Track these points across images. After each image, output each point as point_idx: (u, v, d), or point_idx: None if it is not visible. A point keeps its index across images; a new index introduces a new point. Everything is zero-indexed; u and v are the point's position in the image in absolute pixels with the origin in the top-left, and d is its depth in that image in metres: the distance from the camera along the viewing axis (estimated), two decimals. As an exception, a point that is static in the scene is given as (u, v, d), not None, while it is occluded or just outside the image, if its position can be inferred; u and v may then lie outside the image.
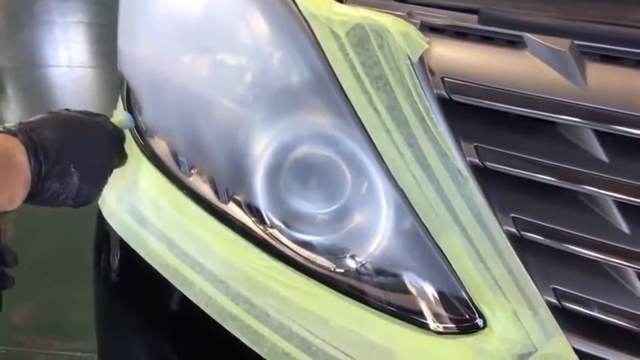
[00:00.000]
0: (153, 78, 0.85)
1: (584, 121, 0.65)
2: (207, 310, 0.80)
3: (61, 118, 0.79)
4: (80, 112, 0.84)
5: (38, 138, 0.72)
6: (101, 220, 0.93)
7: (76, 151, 0.75)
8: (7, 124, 0.76)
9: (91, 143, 0.78)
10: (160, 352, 0.94)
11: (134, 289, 0.94)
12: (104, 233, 0.93)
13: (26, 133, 0.72)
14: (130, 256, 0.88)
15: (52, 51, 4.41)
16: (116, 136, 0.83)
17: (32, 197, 0.72)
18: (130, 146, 0.89)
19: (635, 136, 0.63)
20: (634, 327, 0.66)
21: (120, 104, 0.93)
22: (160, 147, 0.87)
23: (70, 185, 0.74)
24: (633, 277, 0.66)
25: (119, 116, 0.88)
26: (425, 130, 0.70)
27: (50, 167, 0.72)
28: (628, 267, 0.66)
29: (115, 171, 0.92)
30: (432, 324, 0.73)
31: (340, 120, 0.74)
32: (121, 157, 0.84)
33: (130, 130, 0.90)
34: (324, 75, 0.73)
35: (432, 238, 0.71)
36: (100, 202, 0.94)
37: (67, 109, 0.83)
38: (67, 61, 4.22)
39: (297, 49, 0.74)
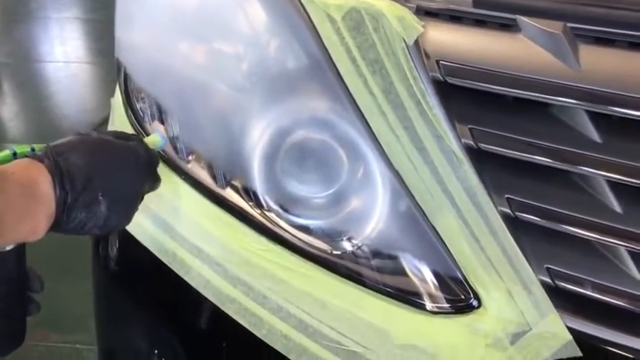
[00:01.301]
0: (150, 65, 0.86)
1: (578, 103, 0.66)
2: (206, 293, 0.81)
3: (90, 141, 0.74)
4: (112, 133, 0.80)
5: (65, 164, 0.68)
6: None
7: (105, 178, 0.70)
8: (35, 146, 0.73)
9: (121, 170, 0.73)
10: (159, 335, 0.95)
11: (133, 275, 0.95)
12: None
13: (53, 159, 0.68)
14: (128, 241, 0.89)
15: (48, 47, 4.41)
16: (149, 160, 0.77)
17: (56, 226, 0.68)
18: (127, 131, 0.89)
19: (628, 117, 0.64)
20: (627, 305, 0.67)
21: (157, 128, 0.87)
22: (158, 132, 0.87)
23: (97, 214, 0.70)
24: (626, 256, 0.67)
25: (153, 137, 0.83)
26: (420, 113, 0.70)
27: (77, 196, 0.68)
28: (621, 246, 0.66)
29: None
30: (428, 304, 0.74)
31: (336, 104, 0.74)
32: (154, 182, 0.79)
33: (127, 116, 0.90)
34: (320, 59, 0.74)
35: (428, 220, 0.72)
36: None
37: (96, 130, 0.78)
38: (63, 56, 4.22)
39: (293, 33, 0.75)
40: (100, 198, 0.69)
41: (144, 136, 0.84)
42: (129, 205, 0.75)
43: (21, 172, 0.65)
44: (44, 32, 4.66)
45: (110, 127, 0.98)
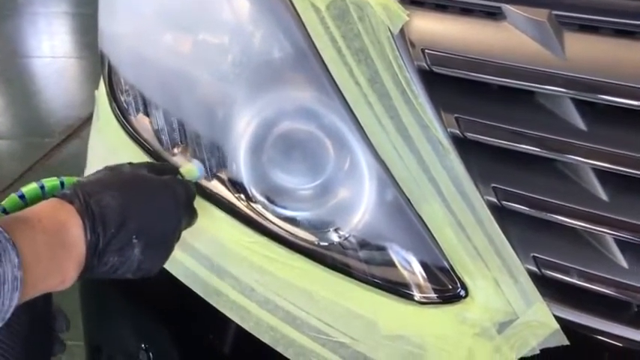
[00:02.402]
0: (134, 57, 0.85)
1: (563, 90, 0.65)
2: (192, 286, 0.81)
3: (123, 178, 0.69)
4: (146, 166, 0.74)
5: (97, 206, 0.63)
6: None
7: (140, 219, 0.66)
8: (65, 180, 0.70)
9: (156, 209, 0.68)
10: (146, 329, 0.94)
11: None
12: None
13: (83, 200, 0.63)
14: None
15: (36, 42, 4.38)
16: (186, 196, 0.72)
17: (86, 272, 0.63)
18: (111, 124, 0.89)
19: (614, 104, 0.64)
20: (614, 293, 0.67)
21: (193, 159, 0.82)
22: (142, 125, 0.87)
23: (130, 258, 0.65)
24: (612, 244, 0.67)
25: (189, 166, 0.79)
26: (406, 102, 0.70)
27: (109, 240, 0.63)
28: (607, 234, 0.66)
29: (97, 148, 0.93)
30: (415, 294, 0.73)
31: (322, 94, 0.74)
32: (191, 218, 0.74)
33: (112, 108, 0.90)
34: (305, 49, 0.73)
35: (414, 209, 0.72)
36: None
37: (130, 163, 0.73)
38: (51, 51, 4.19)
39: (277, 23, 0.74)
40: (134, 241, 0.65)
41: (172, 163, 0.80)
42: (165, 247, 0.70)
43: (50, 219, 0.60)
44: (31, 27, 4.63)
45: (94, 120, 0.97)
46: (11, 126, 3.28)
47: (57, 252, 0.59)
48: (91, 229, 0.62)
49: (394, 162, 0.71)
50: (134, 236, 0.65)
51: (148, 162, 0.78)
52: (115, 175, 0.69)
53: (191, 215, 0.74)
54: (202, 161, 0.80)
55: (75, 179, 0.71)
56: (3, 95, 3.75)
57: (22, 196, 0.68)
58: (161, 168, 0.75)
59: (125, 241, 0.64)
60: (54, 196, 0.64)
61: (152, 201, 0.68)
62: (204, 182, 0.81)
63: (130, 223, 0.64)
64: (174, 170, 0.76)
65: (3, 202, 0.68)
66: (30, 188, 0.69)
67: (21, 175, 2.60)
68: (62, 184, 0.70)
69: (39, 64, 4.07)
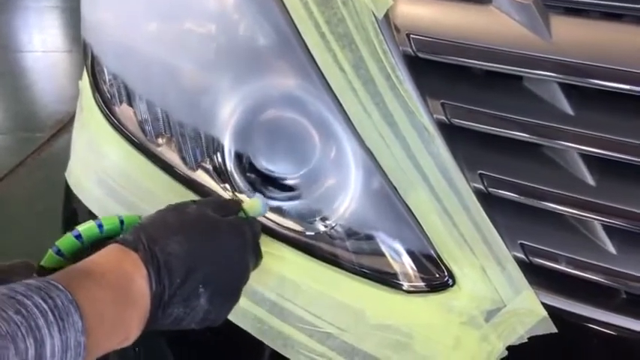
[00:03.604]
0: (117, 45, 0.84)
1: (550, 74, 0.64)
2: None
3: (189, 221, 0.64)
4: (210, 203, 0.69)
5: (163, 255, 0.59)
6: (68, 191, 0.91)
7: (207, 267, 0.62)
8: (124, 217, 0.66)
9: (224, 255, 0.64)
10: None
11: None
12: (71, 206, 0.91)
13: (148, 248, 0.59)
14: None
15: (27, 36, 4.36)
16: (253, 238, 0.69)
17: (148, 325, 0.59)
18: (95, 115, 0.87)
19: (601, 88, 0.63)
20: (602, 280, 0.66)
21: (255, 194, 0.77)
22: (126, 115, 0.85)
23: (195, 309, 0.61)
24: (600, 230, 0.66)
25: (252, 201, 0.74)
26: (391, 88, 0.69)
27: (174, 291, 0.59)
28: (594, 220, 0.66)
29: (81, 140, 0.91)
30: (402, 283, 0.72)
31: (306, 81, 0.73)
32: (257, 260, 0.70)
33: (95, 99, 0.88)
34: (288, 35, 0.72)
35: (401, 197, 0.71)
36: (66, 173, 0.92)
37: (194, 201, 0.69)
38: (42, 45, 4.18)
39: (260, 9, 0.73)
40: (201, 290, 0.61)
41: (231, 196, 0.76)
42: (232, 295, 0.66)
43: (114, 272, 0.57)
44: (22, 21, 4.61)
45: (78, 112, 0.95)
46: (2, 120, 3.26)
47: (121, 308, 0.56)
48: (156, 280, 0.58)
49: (380, 149, 0.70)
50: (201, 285, 0.61)
51: (211, 199, 0.74)
52: (179, 216, 0.65)
53: (258, 256, 0.70)
54: (266, 196, 0.76)
55: (135, 217, 0.67)
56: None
57: (78, 236, 0.65)
58: (225, 205, 0.71)
59: (191, 291, 0.60)
60: (115, 240, 0.61)
61: (220, 246, 0.64)
62: (187, 172, 0.80)
63: (196, 271, 0.61)
64: (237, 205, 0.72)
65: (58, 242, 0.64)
66: (87, 227, 0.65)
67: (12, 169, 2.59)
68: (122, 222, 0.66)
69: (30, 58, 4.05)
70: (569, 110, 0.65)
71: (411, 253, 0.72)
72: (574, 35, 0.64)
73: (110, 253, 0.59)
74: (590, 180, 0.65)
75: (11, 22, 4.58)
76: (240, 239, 0.66)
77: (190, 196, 0.80)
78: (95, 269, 0.56)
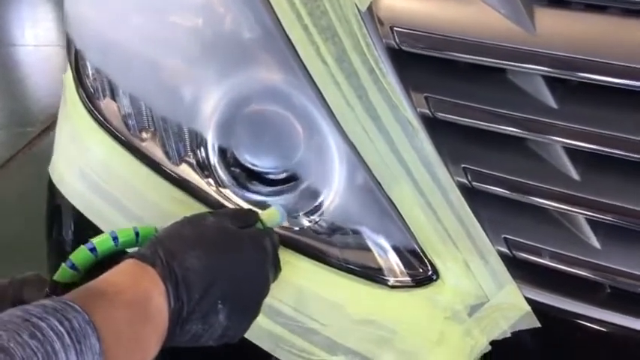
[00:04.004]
0: (100, 39, 0.83)
1: (534, 67, 0.64)
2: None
3: (207, 234, 0.62)
4: (227, 214, 0.67)
5: (181, 270, 0.57)
6: (52, 186, 0.90)
7: (226, 282, 0.59)
8: (140, 230, 0.65)
9: (243, 269, 0.62)
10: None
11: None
12: (55, 201, 0.91)
13: (166, 263, 0.57)
14: (83, 224, 0.86)
15: (19, 30, 4.34)
16: (273, 250, 0.66)
17: (166, 343, 0.57)
18: (78, 110, 0.87)
19: (584, 81, 0.62)
20: (586, 274, 0.66)
21: (273, 203, 0.75)
22: (109, 109, 0.85)
23: (214, 325, 0.59)
24: (584, 224, 0.66)
25: (270, 212, 0.72)
26: (374, 81, 0.68)
27: (193, 307, 0.57)
28: (579, 214, 0.65)
29: (64, 134, 0.90)
30: (386, 278, 0.72)
31: (290, 74, 0.72)
32: (276, 273, 0.67)
33: (78, 93, 0.87)
34: (271, 28, 0.71)
35: (384, 192, 0.70)
36: (50, 168, 0.91)
37: (211, 212, 0.67)
38: (34, 40, 4.16)
39: (243, 2, 0.72)
40: (220, 306, 0.59)
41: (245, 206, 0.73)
42: (251, 311, 0.64)
43: (131, 289, 0.55)
44: (15, 15, 4.58)
45: (62, 106, 0.95)
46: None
47: (139, 327, 0.54)
48: (174, 296, 0.56)
49: (363, 143, 0.70)
50: (220, 301, 0.59)
51: (228, 209, 0.72)
52: (197, 229, 0.62)
53: (277, 269, 0.67)
54: (283, 206, 0.74)
55: (151, 229, 0.66)
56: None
57: (93, 249, 0.63)
58: (242, 216, 0.68)
59: (210, 307, 0.58)
60: (131, 255, 0.59)
61: (240, 260, 0.62)
62: (171, 167, 0.79)
63: (215, 286, 0.59)
64: (254, 216, 0.70)
65: (72, 256, 0.63)
66: (102, 240, 0.64)
67: (3, 164, 2.58)
68: (137, 234, 0.65)
69: (23, 52, 4.04)
70: (553, 103, 0.64)
71: (395, 248, 0.72)
72: (558, 27, 0.63)
73: (127, 269, 0.57)
74: (574, 174, 0.65)
75: (4, 15, 4.55)
76: (261, 252, 0.64)
77: (172, 190, 0.79)
78: (112, 287, 0.54)
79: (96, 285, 0.55)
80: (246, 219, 0.68)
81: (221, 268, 0.60)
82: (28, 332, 0.45)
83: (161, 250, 0.58)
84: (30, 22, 4.51)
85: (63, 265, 0.63)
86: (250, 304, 0.63)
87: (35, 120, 2.92)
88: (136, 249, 0.62)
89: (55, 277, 0.63)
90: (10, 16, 4.57)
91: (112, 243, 0.64)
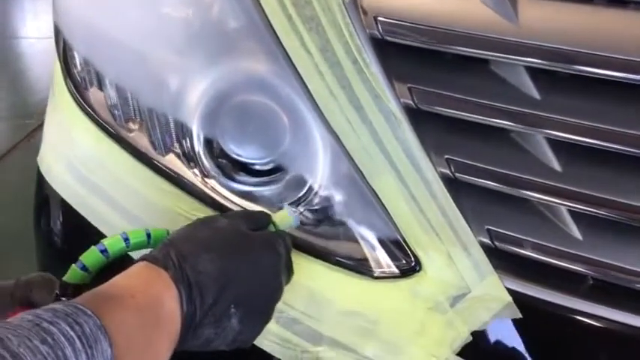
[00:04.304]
0: (87, 29, 0.83)
1: (516, 58, 0.63)
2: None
3: (221, 236, 0.61)
4: (241, 216, 0.66)
5: (194, 273, 0.56)
6: (40, 177, 0.90)
7: (239, 285, 0.58)
8: (152, 231, 0.64)
9: (257, 273, 0.61)
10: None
11: (77, 249, 0.92)
12: (43, 192, 0.91)
13: (178, 266, 0.56)
14: (70, 214, 0.86)
15: (21, 22, 4.34)
16: (286, 254, 0.65)
17: (177, 347, 0.56)
18: (66, 100, 0.86)
19: (567, 71, 0.62)
20: (567, 265, 0.66)
21: (286, 206, 0.74)
22: (96, 100, 0.84)
23: (226, 330, 0.58)
24: (567, 216, 0.66)
25: (282, 214, 0.71)
26: (358, 72, 0.68)
27: (206, 312, 0.56)
28: (560, 205, 0.65)
29: (52, 125, 0.90)
30: (369, 269, 0.72)
31: (274, 64, 0.72)
32: (289, 276, 0.66)
33: (66, 83, 0.87)
34: (256, 18, 0.71)
35: (368, 182, 0.70)
36: (38, 159, 0.92)
37: (225, 215, 0.66)
38: (36, 32, 4.16)
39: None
40: (232, 310, 0.58)
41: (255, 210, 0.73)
42: (264, 315, 0.62)
43: (143, 293, 0.54)
44: (16, 7, 4.59)
45: (50, 96, 0.95)
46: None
47: (151, 332, 0.53)
48: (187, 300, 0.55)
49: (346, 133, 0.70)
50: (232, 305, 0.58)
51: (240, 211, 0.72)
52: (210, 231, 0.61)
53: (290, 272, 0.66)
54: (294, 207, 0.74)
55: (163, 231, 0.65)
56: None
57: (104, 251, 0.62)
58: (255, 218, 0.68)
59: (223, 312, 0.57)
60: (143, 258, 0.58)
61: (253, 263, 0.61)
62: (157, 157, 0.79)
63: (229, 290, 0.57)
64: (267, 218, 0.69)
65: (82, 257, 0.62)
66: (113, 241, 0.63)
67: (2, 155, 2.59)
68: (149, 235, 0.64)
69: (24, 44, 4.04)
70: (536, 94, 0.64)
71: (378, 239, 0.72)
72: (541, 18, 0.63)
73: (139, 272, 0.57)
74: (556, 165, 0.65)
75: (6, 7, 4.56)
76: (275, 256, 0.63)
77: (158, 181, 0.79)
78: (124, 291, 0.53)
79: (107, 288, 0.54)
80: (259, 221, 0.67)
81: (234, 272, 0.59)
82: (38, 337, 0.44)
83: (173, 252, 0.57)
84: (31, 14, 4.51)
85: (73, 266, 0.62)
86: (263, 309, 0.62)
87: (34, 112, 2.93)
88: (144, 251, 0.62)
89: (65, 278, 0.62)
90: (11, 9, 4.58)
91: (123, 244, 0.63)
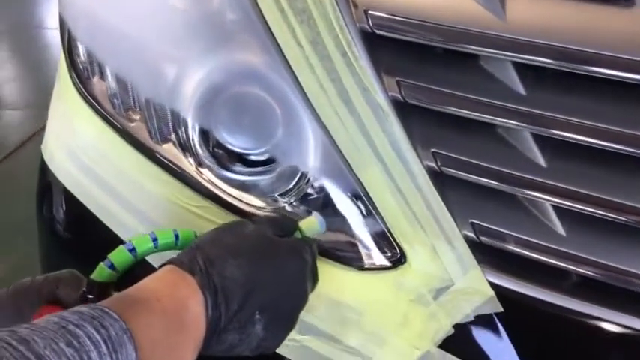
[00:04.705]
0: (90, 18, 0.84)
1: (503, 53, 0.64)
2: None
3: (248, 242, 0.61)
4: (268, 222, 0.67)
5: (220, 279, 0.56)
6: (43, 165, 0.93)
7: (265, 291, 0.58)
8: (180, 232, 0.64)
9: (283, 280, 0.61)
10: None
11: (80, 237, 0.94)
12: (46, 179, 0.93)
13: (205, 272, 0.56)
14: (71, 201, 0.88)
15: (46, 13, 4.39)
16: (312, 261, 0.65)
17: (201, 352, 0.56)
18: (69, 89, 0.88)
19: (554, 67, 0.62)
20: (550, 261, 0.66)
21: (313, 212, 0.74)
22: (98, 89, 0.86)
23: (250, 336, 0.58)
24: (551, 212, 0.66)
25: (309, 220, 0.72)
26: (347, 65, 0.69)
27: (231, 317, 0.56)
28: (544, 200, 0.65)
29: (56, 113, 0.93)
30: (355, 260, 0.72)
31: (267, 56, 0.73)
32: (315, 283, 0.66)
33: (69, 72, 0.89)
34: (249, 10, 0.72)
35: (355, 175, 0.71)
36: (42, 147, 0.94)
37: (251, 220, 0.67)
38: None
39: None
40: (257, 316, 0.58)
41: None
42: (289, 322, 0.62)
43: (169, 297, 0.54)
44: (45, -2, 4.64)
45: (56, 85, 0.97)
46: (19, 96, 3.31)
47: (176, 336, 0.53)
48: (212, 305, 0.55)
49: (335, 126, 0.70)
50: (258, 311, 0.58)
51: (267, 217, 0.72)
52: (237, 236, 0.62)
53: (315, 279, 0.66)
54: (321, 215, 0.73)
55: (190, 232, 0.65)
56: (13, 66, 3.78)
57: (132, 250, 0.63)
58: (281, 224, 0.68)
59: (248, 318, 0.57)
60: (170, 261, 0.58)
61: (280, 270, 0.61)
62: (153, 146, 0.81)
63: (254, 296, 0.58)
64: (294, 224, 0.70)
65: (111, 255, 0.63)
66: (141, 241, 0.63)
67: (21, 144, 2.63)
68: (177, 237, 0.64)
69: (50, 34, 4.09)
70: (522, 90, 0.64)
71: (365, 231, 0.72)
72: (528, 14, 0.63)
73: (165, 276, 0.57)
74: (541, 161, 0.65)
75: (32, -1, 4.63)
76: (301, 262, 0.63)
77: (158, 172, 0.80)
78: (150, 294, 0.54)
79: (133, 292, 0.55)
80: (286, 227, 0.68)
81: (261, 278, 0.59)
82: (64, 340, 0.45)
83: (200, 257, 0.58)
84: (56, 5, 4.56)
85: (101, 264, 0.63)
86: (288, 315, 0.62)
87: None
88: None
89: (93, 276, 0.63)
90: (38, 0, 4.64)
91: (151, 244, 0.63)
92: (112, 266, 0.62)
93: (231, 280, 0.57)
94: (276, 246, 0.62)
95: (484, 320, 0.67)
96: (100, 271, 0.63)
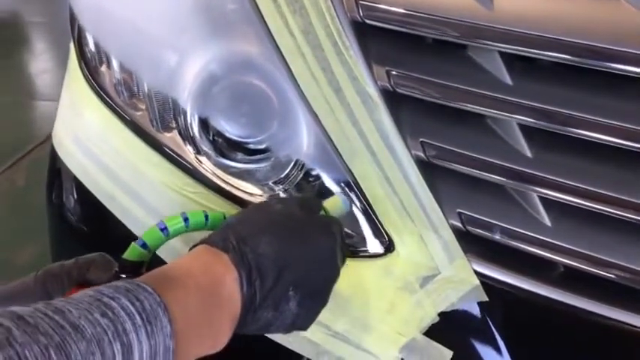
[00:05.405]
0: (97, 8, 0.86)
1: (490, 43, 0.63)
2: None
3: (277, 220, 0.62)
4: (295, 200, 0.68)
5: (254, 256, 0.57)
6: (53, 151, 0.96)
7: (298, 267, 0.59)
8: (210, 214, 0.64)
9: (315, 255, 0.61)
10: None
11: (88, 223, 0.96)
12: (55, 165, 0.95)
13: (238, 249, 0.57)
14: (79, 188, 0.91)
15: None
16: (341, 237, 0.65)
17: (237, 330, 0.56)
18: (78, 77, 0.91)
19: (541, 57, 0.62)
20: (536, 251, 0.66)
21: (337, 192, 0.75)
22: (104, 78, 0.89)
23: (284, 313, 0.58)
24: (537, 202, 0.66)
25: (333, 200, 0.72)
26: (337, 54, 0.69)
27: (266, 294, 0.57)
28: (530, 191, 0.65)
29: (65, 101, 0.95)
30: (347, 247, 0.73)
31: (263, 46, 0.74)
32: (344, 259, 0.66)
33: (78, 61, 0.91)
34: (244, 0, 0.73)
35: (346, 164, 0.72)
36: (52, 133, 0.97)
37: (278, 199, 0.69)
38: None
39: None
40: (291, 293, 0.58)
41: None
42: (322, 298, 0.62)
43: (203, 275, 0.54)
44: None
45: (66, 74, 0.99)
46: (52, 88, 3.38)
47: (211, 313, 0.53)
48: (247, 282, 0.56)
49: (326, 115, 0.71)
50: (291, 288, 0.58)
51: (293, 197, 0.73)
52: (266, 215, 0.62)
53: (344, 255, 0.66)
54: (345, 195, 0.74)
55: (220, 214, 0.66)
56: (49, 57, 3.86)
57: (164, 229, 0.63)
58: (307, 203, 0.68)
59: (282, 294, 0.58)
60: (203, 241, 0.59)
61: (311, 246, 0.61)
62: (154, 133, 0.83)
63: (288, 272, 0.58)
64: (319, 204, 0.70)
65: (143, 235, 0.63)
66: (173, 222, 0.64)
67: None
68: (207, 217, 0.65)
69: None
70: (508, 80, 0.64)
71: (354, 219, 0.73)
72: (516, 4, 0.62)
73: (199, 255, 0.57)
74: (527, 151, 0.65)
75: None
76: (331, 238, 0.63)
77: (155, 157, 0.82)
78: (184, 271, 0.54)
79: (168, 269, 0.55)
80: (312, 206, 0.68)
81: (293, 254, 0.59)
82: (99, 311, 0.45)
83: (232, 235, 0.58)
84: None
85: (133, 243, 0.63)
86: (321, 291, 0.62)
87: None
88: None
89: (125, 255, 0.63)
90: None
91: (182, 224, 0.64)
92: (144, 245, 0.63)
93: (264, 257, 0.57)
94: (306, 223, 0.63)
95: (469, 310, 0.68)
96: (132, 251, 0.63)
